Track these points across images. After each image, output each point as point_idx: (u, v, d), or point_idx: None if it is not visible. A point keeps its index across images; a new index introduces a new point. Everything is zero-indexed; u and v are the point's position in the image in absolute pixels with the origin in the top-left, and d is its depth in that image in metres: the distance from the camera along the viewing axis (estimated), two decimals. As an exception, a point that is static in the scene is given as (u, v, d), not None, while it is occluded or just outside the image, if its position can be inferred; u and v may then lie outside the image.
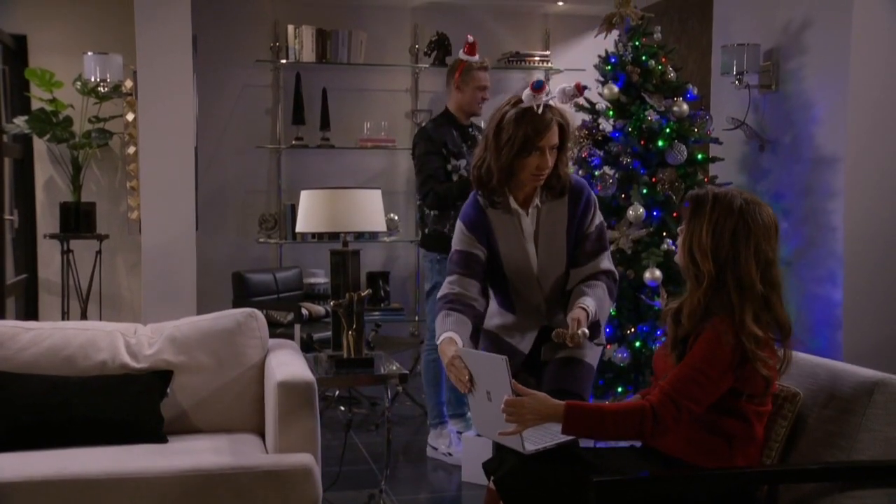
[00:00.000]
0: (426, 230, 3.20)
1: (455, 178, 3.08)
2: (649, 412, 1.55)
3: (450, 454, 3.16)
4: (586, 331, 1.85)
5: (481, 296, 1.99)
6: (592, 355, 2.01)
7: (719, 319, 1.57)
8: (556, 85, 5.42)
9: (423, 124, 3.30)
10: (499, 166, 1.91)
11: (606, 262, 2.01)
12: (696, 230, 1.61)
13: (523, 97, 1.89)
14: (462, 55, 3.11)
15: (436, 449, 3.20)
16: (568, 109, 1.95)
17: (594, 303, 1.92)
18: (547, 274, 2.00)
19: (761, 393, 1.60)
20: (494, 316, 2.06)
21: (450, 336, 1.85)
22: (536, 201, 1.97)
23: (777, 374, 1.63)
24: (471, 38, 3.11)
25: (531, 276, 1.99)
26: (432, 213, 3.12)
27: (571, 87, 1.92)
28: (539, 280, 2.00)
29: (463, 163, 3.10)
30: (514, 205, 1.97)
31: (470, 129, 3.21)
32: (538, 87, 1.86)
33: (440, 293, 1.97)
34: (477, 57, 3.12)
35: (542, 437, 1.66)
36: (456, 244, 2.00)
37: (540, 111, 1.86)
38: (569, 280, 2.01)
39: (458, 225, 2.00)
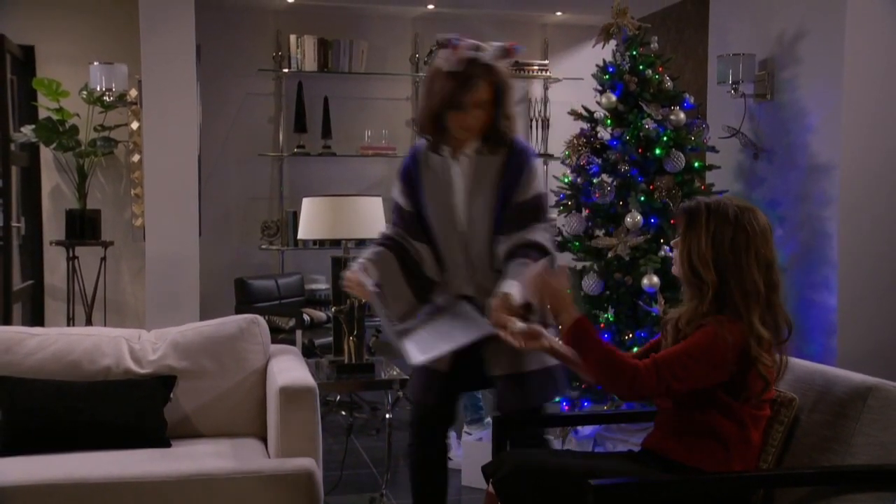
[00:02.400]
0: None
1: None
2: (633, 371, 1.58)
3: (449, 458, 3.19)
4: (521, 325, 1.71)
5: (412, 240, 1.95)
6: (536, 355, 1.87)
7: (725, 318, 1.60)
8: (557, 94, 5.43)
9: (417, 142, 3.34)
10: (429, 116, 1.88)
11: (539, 236, 1.88)
12: (694, 241, 1.63)
13: (441, 58, 1.86)
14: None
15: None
16: (503, 67, 1.86)
17: (519, 287, 1.76)
18: (473, 232, 1.91)
19: (758, 394, 1.62)
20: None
21: (361, 262, 1.88)
22: (472, 151, 1.90)
23: (775, 378, 1.66)
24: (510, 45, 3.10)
25: (455, 232, 1.92)
26: None
27: (503, 45, 1.88)
28: (466, 240, 1.91)
29: None
30: (446, 152, 1.92)
31: None
32: (454, 44, 1.85)
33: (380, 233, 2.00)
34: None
35: (434, 345, 1.75)
36: (393, 194, 2.02)
37: (461, 68, 1.82)
38: (497, 247, 1.89)
39: (397, 173, 2.01)
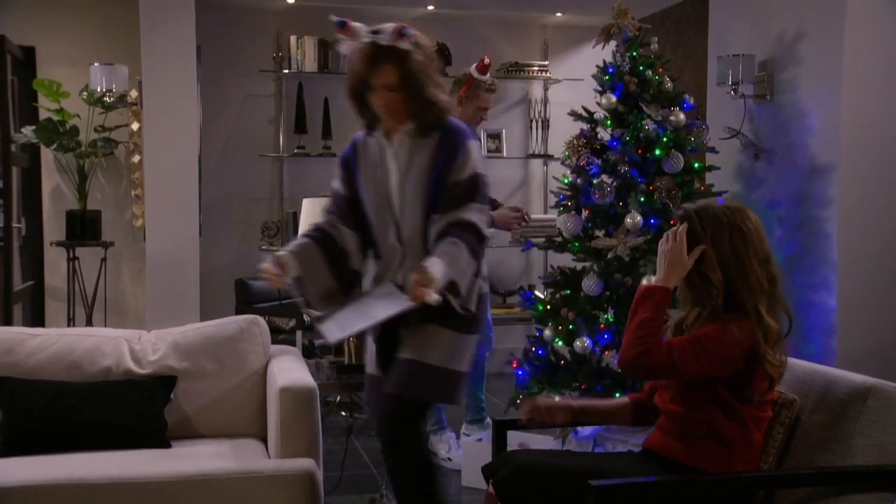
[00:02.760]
0: None
1: None
2: (651, 342, 1.61)
3: (450, 459, 3.19)
4: (436, 296, 1.72)
5: (343, 228, 1.97)
6: (445, 354, 1.88)
7: (732, 316, 1.63)
8: (557, 95, 5.43)
9: None
10: (348, 96, 1.94)
11: (473, 215, 1.87)
12: (698, 247, 1.67)
13: (342, 41, 1.90)
14: (474, 72, 3.09)
15: (436, 454, 3.23)
16: (414, 49, 1.87)
17: (442, 264, 1.76)
18: (406, 215, 1.92)
19: (762, 394, 1.64)
20: (369, 270, 2.00)
21: (280, 254, 1.91)
22: (403, 133, 1.92)
23: (779, 377, 1.67)
24: (487, 60, 3.09)
25: (390, 216, 1.93)
26: None
27: (391, 27, 1.88)
28: (399, 224, 1.92)
29: None
30: (379, 134, 1.95)
31: None
32: (340, 27, 1.88)
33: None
34: (488, 77, 3.10)
35: (353, 322, 1.79)
36: (332, 182, 2.03)
37: (370, 52, 1.86)
38: (430, 227, 1.89)
39: (336, 169, 2.03)
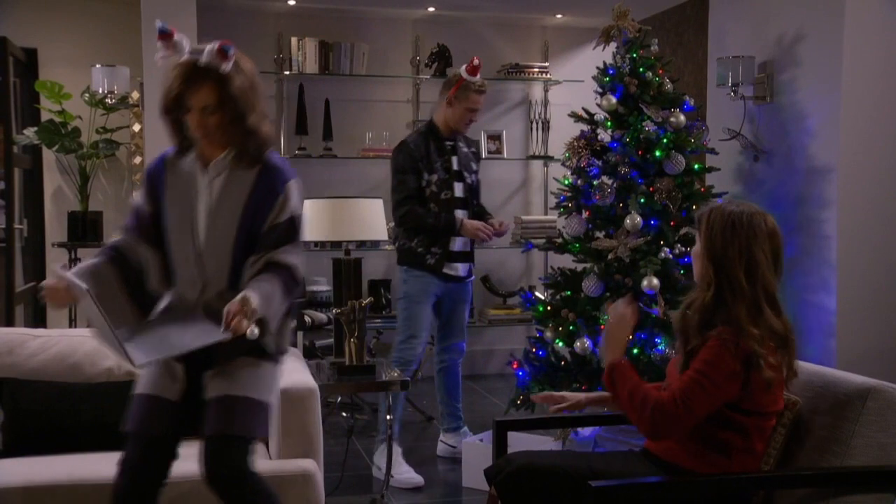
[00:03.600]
0: (396, 243, 3.20)
1: (427, 192, 3.06)
2: (658, 404, 1.60)
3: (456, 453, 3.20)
4: (255, 330, 1.66)
5: (143, 246, 1.83)
6: (256, 386, 1.78)
7: (723, 328, 1.63)
8: (557, 96, 5.44)
9: (406, 137, 3.21)
10: (163, 110, 1.79)
11: (289, 257, 1.78)
12: (701, 241, 1.71)
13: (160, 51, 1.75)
14: (463, 73, 3.09)
15: (454, 447, 3.22)
16: (229, 68, 1.74)
17: (258, 298, 1.68)
18: (212, 248, 1.79)
19: (766, 401, 1.63)
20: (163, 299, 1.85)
21: (66, 275, 1.71)
22: (220, 160, 1.80)
23: (783, 384, 1.66)
24: (476, 61, 3.09)
25: (192, 245, 1.80)
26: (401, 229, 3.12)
27: (213, 48, 1.73)
28: (203, 255, 1.79)
29: (434, 178, 3.07)
30: (192, 157, 1.82)
31: (448, 145, 3.14)
32: (162, 33, 1.73)
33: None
34: (478, 78, 3.09)
35: (160, 348, 1.69)
36: (135, 197, 1.90)
37: (188, 69, 1.72)
38: (245, 267, 1.78)
39: (143, 180, 1.89)
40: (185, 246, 1.82)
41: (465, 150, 3.22)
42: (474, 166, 3.24)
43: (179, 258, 1.83)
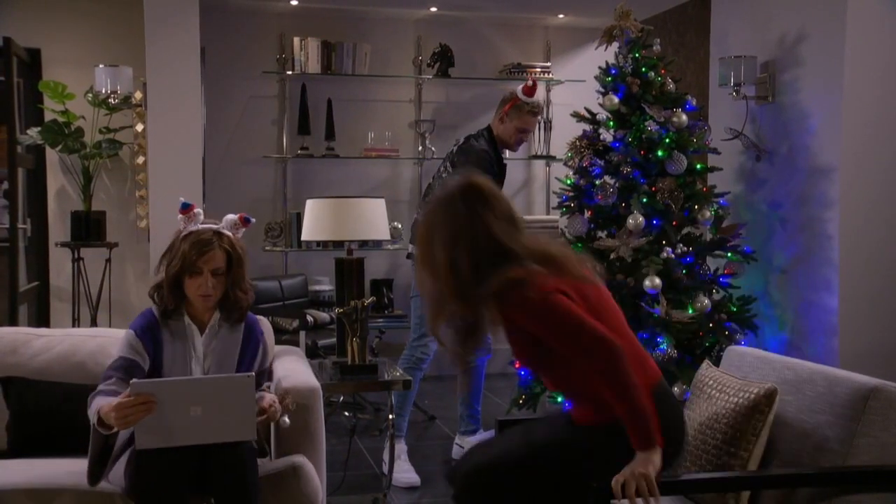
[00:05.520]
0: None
1: None
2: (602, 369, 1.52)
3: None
4: (286, 419, 1.95)
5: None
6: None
7: (504, 291, 1.56)
8: (560, 96, 5.41)
9: (474, 138, 3.15)
10: (167, 278, 1.97)
11: (269, 398, 2.00)
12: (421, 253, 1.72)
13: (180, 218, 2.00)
14: (519, 93, 3.06)
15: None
16: (240, 240, 2.05)
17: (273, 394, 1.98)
18: None
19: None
20: None
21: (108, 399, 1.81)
22: (214, 322, 2.01)
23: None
24: (531, 82, 3.07)
25: None
26: None
27: (235, 218, 2.06)
28: None
29: None
30: (188, 320, 2.00)
31: (502, 156, 3.15)
32: (184, 207, 2.00)
33: (96, 391, 1.90)
34: (534, 99, 3.07)
35: (163, 437, 1.75)
36: (121, 350, 1.97)
37: (205, 236, 1.96)
38: None
39: (127, 332, 1.99)
40: None
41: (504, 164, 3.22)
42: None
43: None
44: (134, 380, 1.79)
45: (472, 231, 1.63)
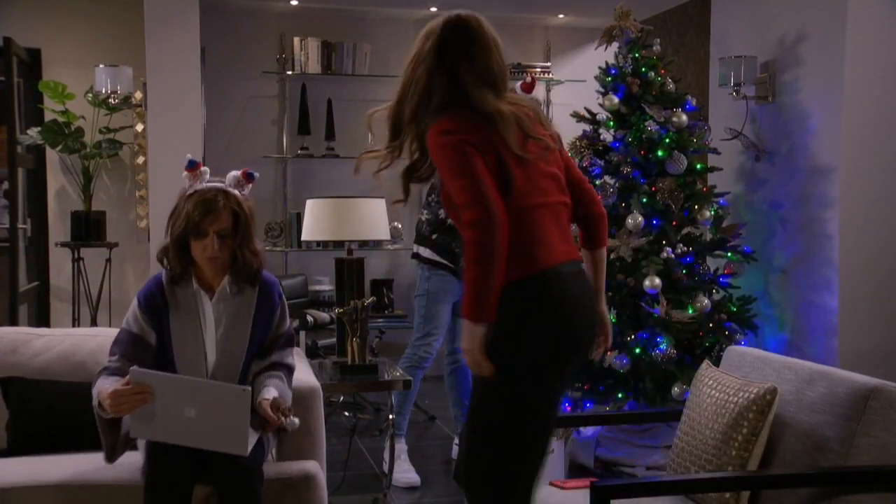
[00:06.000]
0: (431, 237, 3.17)
1: None
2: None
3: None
4: (294, 420, 1.85)
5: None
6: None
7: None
8: (560, 96, 5.40)
9: None
10: (172, 240, 1.89)
11: (290, 358, 2.00)
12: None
13: (184, 175, 1.91)
14: (518, 89, 3.06)
15: None
16: (246, 198, 1.94)
17: (276, 391, 1.89)
18: (223, 364, 1.91)
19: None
20: None
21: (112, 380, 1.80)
22: (225, 285, 1.92)
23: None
24: (530, 78, 3.08)
25: (203, 364, 1.90)
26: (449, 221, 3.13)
27: (238, 174, 1.95)
28: (213, 374, 1.91)
29: None
30: (195, 285, 1.92)
31: None
32: (191, 165, 1.89)
33: (102, 367, 1.90)
34: (532, 95, 3.09)
35: (172, 432, 1.74)
36: (126, 321, 1.93)
37: (209, 195, 1.87)
38: (250, 368, 1.95)
39: (133, 302, 1.94)
40: (196, 368, 1.92)
41: None
42: None
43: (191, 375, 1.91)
44: (133, 367, 1.76)
45: (437, 71, 1.67)
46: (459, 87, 1.65)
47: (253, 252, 1.91)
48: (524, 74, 4.76)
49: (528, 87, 3.07)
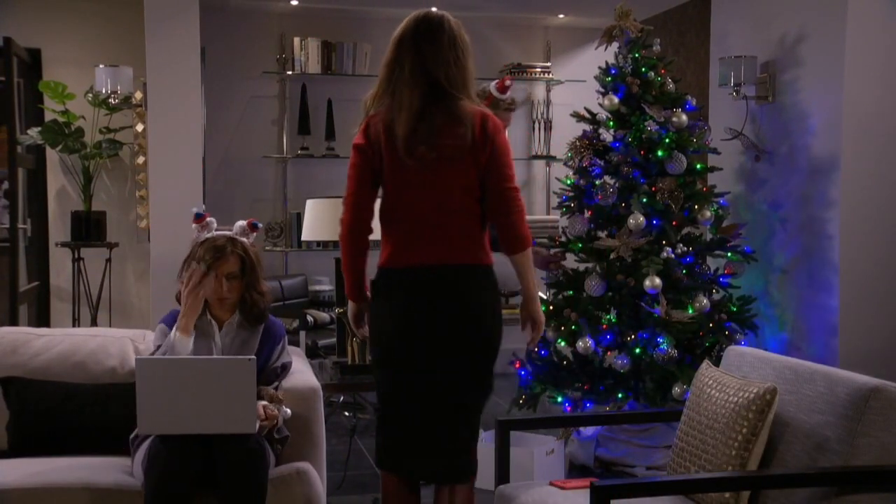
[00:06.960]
0: None
1: None
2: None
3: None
4: (287, 410, 2.05)
5: None
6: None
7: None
8: (560, 96, 5.40)
9: None
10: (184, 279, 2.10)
11: (283, 377, 2.18)
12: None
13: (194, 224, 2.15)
14: (493, 90, 3.04)
15: None
16: (252, 245, 2.16)
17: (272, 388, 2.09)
18: None
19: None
20: None
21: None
22: (233, 320, 2.13)
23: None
24: (508, 82, 3.07)
25: None
26: None
27: (244, 224, 2.17)
28: None
29: None
30: (209, 318, 2.13)
31: None
32: (198, 216, 2.16)
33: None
34: (507, 95, 3.06)
35: (177, 421, 1.83)
36: (156, 340, 2.15)
37: (219, 242, 2.10)
38: None
39: (159, 325, 2.17)
40: None
41: None
42: None
43: None
44: (137, 357, 1.90)
45: (394, 62, 1.89)
46: (395, 80, 1.86)
47: (260, 293, 2.13)
48: (524, 74, 4.77)
49: (504, 88, 3.09)
